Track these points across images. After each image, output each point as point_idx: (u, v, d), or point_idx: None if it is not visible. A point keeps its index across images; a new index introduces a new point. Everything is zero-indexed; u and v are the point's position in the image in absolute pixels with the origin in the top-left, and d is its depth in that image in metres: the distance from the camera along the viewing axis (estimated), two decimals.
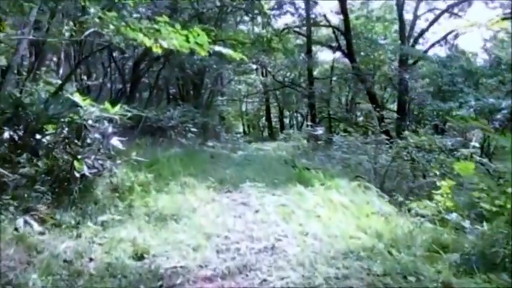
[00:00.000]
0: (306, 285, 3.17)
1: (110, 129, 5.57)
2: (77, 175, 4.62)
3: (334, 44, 24.23)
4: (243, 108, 36.08)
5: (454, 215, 5.27)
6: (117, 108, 5.63)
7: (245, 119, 37.08)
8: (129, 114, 6.25)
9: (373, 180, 8.90)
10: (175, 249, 3.83)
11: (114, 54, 16.83)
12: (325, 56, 29.27)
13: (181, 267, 3.47)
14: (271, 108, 33.56)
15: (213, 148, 13.66)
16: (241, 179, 7.61)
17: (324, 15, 23.63)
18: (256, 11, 17.36)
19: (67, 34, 6.66)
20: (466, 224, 4.97)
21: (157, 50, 4.85)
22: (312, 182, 7.01)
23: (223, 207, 5.71)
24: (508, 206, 4.57)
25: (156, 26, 5.02)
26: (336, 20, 24.42)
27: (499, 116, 10.17)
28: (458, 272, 3.40)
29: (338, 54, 25.50)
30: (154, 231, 4.29)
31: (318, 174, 7.65)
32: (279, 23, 22.53)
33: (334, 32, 23.71)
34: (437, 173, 6.93)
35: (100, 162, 5.40)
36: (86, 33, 5.05)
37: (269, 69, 28.66)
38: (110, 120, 5.69)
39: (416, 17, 22.66)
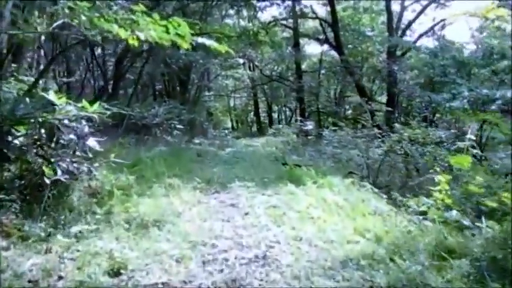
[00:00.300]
0: None
1: (86, 129, 5.16)
2: (47, 181, 4.19)
3: (321, 37, 23.89)
4: (231, 104, 35.63)
5: (454, 213, 5.00)
6: (96, 106, 5.22)
7: (233, 114, 36.68)
8: (109, 112, 5.83)
9: (366, 176, 8.62)
10: (156, 262, 3.45)
11: (99, 51, 16.33)
12: (312, 49, 28.96)
13: (162, 283, 3.11)
14: (259, 103, 33.18)
15: (200, 145, 13.29)
16: (229, 178, 7.26)
17: (311, 7, 23.28)
18: (242, 3, 16.94)
19: (39, 28, 6.19)
20: (467, 221, 4.72)
21: (133, 43, 4.45)
22: (304, 180, 6.67)
23: (210, 210, 5.34)
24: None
25: (133, 17, 4.63)
26: (323, 11, 24.09)
27: (493, 107, 9.92)
28: (468, 280, 3.09)
29: (326, 46, 25.20)
30: (134, 240, 3.91)
31: (309, 172, 7.31)
32: (265, 15, 22.17)
33: (321, 24, 23.34)
34: (437, 169, 6.61)
35: (75, 165, 5.00)
36: (54, 25, 4.61)
37: (256, 63, 28.26)
38: (89, 120, 5.29)
39: (403, 7, 22.41)
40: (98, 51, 16.37)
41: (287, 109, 34.95)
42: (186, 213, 5.04)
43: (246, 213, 5.12)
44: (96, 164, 5.28)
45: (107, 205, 4.86)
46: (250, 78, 30.67)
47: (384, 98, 23.43)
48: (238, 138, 21.05)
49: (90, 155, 5.20)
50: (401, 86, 19.25)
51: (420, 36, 22.10)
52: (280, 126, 21.71)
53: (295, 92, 24.91)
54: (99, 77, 16.89)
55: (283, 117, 36.04)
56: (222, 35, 14.51)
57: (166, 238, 4.05)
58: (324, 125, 24.32)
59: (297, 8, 22.57)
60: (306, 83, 24.08)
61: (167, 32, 4.58)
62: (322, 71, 26.86)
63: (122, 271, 3.24)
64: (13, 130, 4.95)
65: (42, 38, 13.74)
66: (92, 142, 5.12)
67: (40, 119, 4.95)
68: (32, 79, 8.22)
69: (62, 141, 4.96)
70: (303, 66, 26.13)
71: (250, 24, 19.88)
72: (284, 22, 23.91)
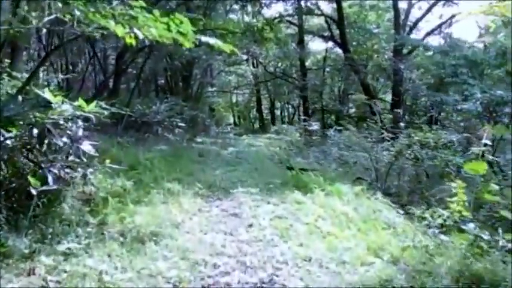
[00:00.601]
0: None
1: (80, 133, 4.82)
2: (34, 192, 3.84)
3: (326, 34, 23.47)
4: (234, 100, 35.24)
5: (471, 225, 4.67)
6: (93, 105, 4.88)
7: (236, 110, 36.29)
8: (106, 112, 5.49)
9: (374, 181, 8.28)
10: (150, 286, 3.13)
11: (100, 45, 15.98)
12: (317, 46, 28.47)
13: None
14: (262, 100, 32.77)
15: (202, 144, 12.93)
16: (232, 183, 6.94)
17: (316, 3, 22.84)
18: None
19: (34, 22, 5.83)
20: (486, 236, 4.38)
21: (131, 41, 4.09)
22: (311, 187, 6.32)
23: (212, 220, 5.01)
24: None
25: (131, 13, 4.27)
26: (329, 8, 23.64)
27: (507, 110, 9.50)
28: None
29: (330, 44, 24.77)
30: (128, 258, 3.56)
31: (316, 178, 6.95)
32: (270, 11, 21.76)
33: (326, 21, 22.93)
34: (451, 176, 6.25)
35: (68, 170, 4.66)
36: (45, 20, 4.27)
37: (260, 59, 27.84)
38: (86, 119, 4.95)
39: (411, 5, 21.95)
40: (100, 45, 16.02)
41: (290, 106, 34.53)
42: (185, 224, 4.71)
43: (250, 225, 4.79)
44: (91, 170, 4.94)
45: (101, 214, 4.52)
46: (253, 75, 30.26)
47: (387, 97, 23.02)
48: (241, 135, 20.66)
49: (85, 160, 4.86)
50: (407, 85, 18.84)
51: (428, 34, 21.68)
52: (284, 126, 21.37)
53: (298, 89, 24.50)
54: (100, 71, 16.56)
55: (285, 114, 35.62)
56: (226, 31, 14.13)
57: (163, 255, 3.72)
58: (327, 122, 23.96)
59: (303, 4, 22.15)
60: (309, 80, 23.67)
61: (169, 29, 4.23)
62: (327, 69, 26.44)
63: None
64: (3, 131, 4.63)
65: (44, 31, 13.43)
66: (86, 146, 4.78)
67: (33, 119, 4.62)
68: (22, 75, 7.86)
69: (53, 144, 4.63)
70: (307, 63, 25.70)
71: (255, 20, 19.48)
72: (289, 18, 23.48)
